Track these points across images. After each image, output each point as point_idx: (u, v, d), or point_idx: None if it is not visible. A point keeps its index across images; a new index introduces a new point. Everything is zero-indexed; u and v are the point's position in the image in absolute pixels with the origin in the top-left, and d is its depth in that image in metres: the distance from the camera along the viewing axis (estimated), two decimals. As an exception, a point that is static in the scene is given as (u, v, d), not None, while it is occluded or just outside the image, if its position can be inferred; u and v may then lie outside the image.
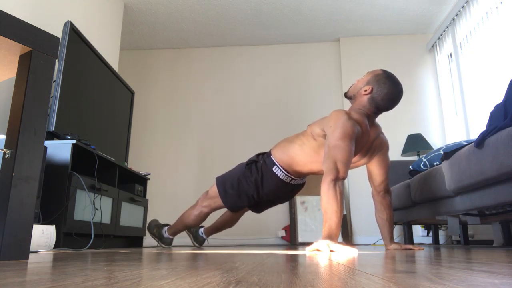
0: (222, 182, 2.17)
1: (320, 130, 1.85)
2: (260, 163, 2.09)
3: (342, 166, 1.64)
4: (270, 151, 2.11)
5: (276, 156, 2.04)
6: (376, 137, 1.92)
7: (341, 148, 1.67)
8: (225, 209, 2.52)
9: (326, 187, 1.60)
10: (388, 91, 1.84)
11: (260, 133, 4.40)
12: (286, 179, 2.04)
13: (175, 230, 2.38)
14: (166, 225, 2.48)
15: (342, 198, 1.61)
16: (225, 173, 2.22)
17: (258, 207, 2.27)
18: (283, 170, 2.02)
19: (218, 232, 2.51)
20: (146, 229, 2.56)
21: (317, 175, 3.87)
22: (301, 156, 1.96)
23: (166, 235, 2.42)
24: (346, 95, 2.00)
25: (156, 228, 2.46)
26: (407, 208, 2.76)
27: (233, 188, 2.12)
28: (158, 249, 2.23)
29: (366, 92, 1.87)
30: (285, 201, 2.26)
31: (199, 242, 2.54)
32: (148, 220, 4.17)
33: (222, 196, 2.15)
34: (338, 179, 1.62)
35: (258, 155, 2.16)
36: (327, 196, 1.58)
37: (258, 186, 2.07)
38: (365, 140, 1.84)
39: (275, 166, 2.03)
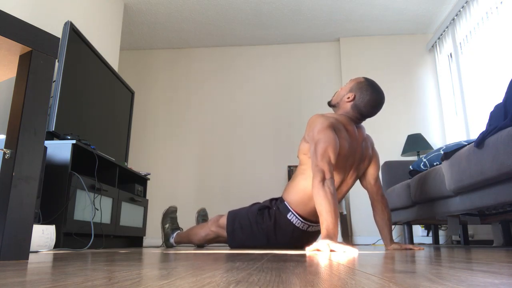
0: (232, 218, 2.10)
1: (306, 143, 1.86)
2: (273, 210, 2.00)
3: (326, 166, 1.63)
4: (282, 197, 2.04)
5: (288, 200, 1.96)
6: (364, 138, 1.95)
7: (322, 141, 1.67)
8: None
9: (315, 190, 1.60)
10: (370, 98, 1.87)
11: (260, 133, 4.40)
12: (302, 227, 1.95)
13: (180, 240, 2.38)
14: (178, 229, 2.47)
15: (334, 197, 1.59)
16: (239, 209, 2.16)
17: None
18: (298, 217, 1.93)
19: (220, 243, 2.51)
20: (162, 214, 2.55)
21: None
22: (308, 183, 1.88)
23: (171, 240, 2.43)
24: (329, 103, 2.01)
25: (169, 224, 2.45)
26: (407, 208, 2.76)
27: (242, 230, 2.05)
28: (159, 249, 2.24)
29: (349, 99, 1.90)
30: (300, 249, 2.18)
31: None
32: (149, 219, 4.17)
33: (229, 233, 2.09)
34: (325, 179, 1.61)
35: (271, 200, 2.08)
36: (318, 198, 1.58)
37: (269, 235, 1.98)
38: (354, 140, 1.86)
39: (290, 213, 1.95)
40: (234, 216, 2.11)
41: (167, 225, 2.46)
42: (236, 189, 4.24)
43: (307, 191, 1.89)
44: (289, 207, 1.95)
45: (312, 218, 1.95)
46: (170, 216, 2.49)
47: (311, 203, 1.90)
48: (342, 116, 1.87)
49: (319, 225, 2.00)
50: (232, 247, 2.13)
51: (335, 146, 1.69)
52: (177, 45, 4.71)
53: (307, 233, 1.98)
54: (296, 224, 1.94)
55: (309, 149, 1.82)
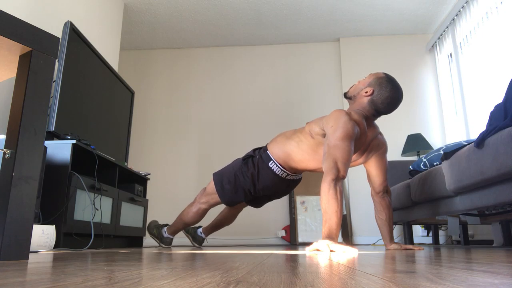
0: (219, 177, 2.19)
1: (319, 129, 1.85)
2: (257, 158, 2.10)
3: (342, 166, 1.64)
4: (266, 146, 2.12)
5: (272, 152, 2.06)
6: (374, 138, 1.92)
7: (341, 148, 1.67)
8: (223, 207, 2.53)
9: (326, 187, 1.60)
10: (388, 95, 1.85)
11: (260, 133, 4.40)
12: (282, 175, 2.06)
13: (175, 229, 2.39)
14: (166, 225, 2.49)
15: (342, 198, 1.61)
16: (222, 168, 2.24)
17: (256, 202, 2.30)
18: (279, 166, 2.04)
19: (217, 230, 2.52)
20: (146, 230, 2.56)
21: (316, 174, 3.86)
22: (297, 153, 1.97)
23: (166, 234, 2.43)
24: (346, 95, 2.00)
25: (155, 229, 2.46)
26: (407, 208, 2.76)
27: (230, 184, 2.14)
28: (158, 249, 2.23)
29: (367, 94, 1.87)
30: (282, 196, 2.28)
31: (198, 242, 2.54)
32: (148, 220, 4.18)
33: (219, 192, 2.17)
34: (338, 179, 1.62)
35: (254, 150, 2.18)
36: (327, 196, 1.59)
37: (254, 180, 2.09)
38: (362, 141, 1.85)
39: (271, 161, 2.05)
40: (220, 175, 2.20)
41: (154, 230, 2.46)
42: (236, 189, 4.23)
43: (292, 154, 1.99)
44: (271, 156, 2.06)
45: (290, 170, 2.07)
46: (153, 225, 2.50)
47: (292, 164, 2.02)
48: (361, 118, 1.84)
49: (297, 175, 2.14)
50: (227, 203, 2.22)
51: (352, 156, 1.73)
52: (177, 45, 4.71)
53: (286, 180, 2.10)
54: (276, 172, 2.05)
55: (319, 133, 1.86)
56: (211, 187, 2.22)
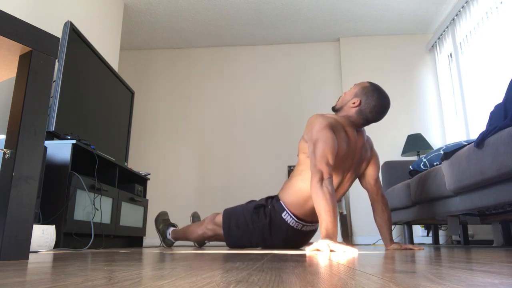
0: (228, 217, 2.11)
1: (305, 142, 1.86)
2: (269, 208, 2.00)
3: (322, 165, 1.63)
4: (278, 195, 2.04)
5: (284, 200, 1.96)
6: (364, 142, 1.93)
7: (321, 141, 1.67)
8: None
9: (314, 190, 1.60)
10: (376, 103, 1.85)
11: (260, 133, 4.40)
12: (297, 226, 1.95)
13: (178, 236, 2.39)
14: (173, 225, 2.49)
15: (333, 197, 1.58)
16: (234, 207, 2.16)
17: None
18: (293, 217, 1.94)
19: (219, 241, 2.52)
20: (154, 221, 2.58)
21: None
22: (306, 185, 1.89)
23: (169, 236, 2.43)
24: (334, 108, 1.98)
25: (162, 224, 2.47)
26: (407, 208, 2.76)
27: (238, 227, 2.06)
28: (159, 249, 2.24)
29: (355, 105, 1.87)
30: (295, 248, 2.13)
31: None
32: (149, 219, 4.17)
33: (225, 231, 2.10)
34: (323, 179, 1.61)
35: (267, 198, 2.09)
36: (316, 198, 1.59)
37: (264, 233, 1.99)
38: (353, 143, 1.85)
39: (285, 212, 1.95)
40: (230, 214, 2.11)
41: (160, 226, 2.47)
42: (236, 189, 4.24)
43: (303, 192, 1.89)
44: (284, 206, 1.96)
45: (307, 219, 1.96)
46: (162, 218, 2.50)
47: (306, 205, 1.91)
48: (342, 117, 1.86)
49: (314, 225, 2.02)
50: (229, 245, 2.14)
51: (334, 146, 1.69)
52: (177, 45, 4.71)
53: (301, 232, 1.99)
54: (290, 224, 1.95)
55: (308, 148, 1.82)
56: (220, 219, 2.16)
